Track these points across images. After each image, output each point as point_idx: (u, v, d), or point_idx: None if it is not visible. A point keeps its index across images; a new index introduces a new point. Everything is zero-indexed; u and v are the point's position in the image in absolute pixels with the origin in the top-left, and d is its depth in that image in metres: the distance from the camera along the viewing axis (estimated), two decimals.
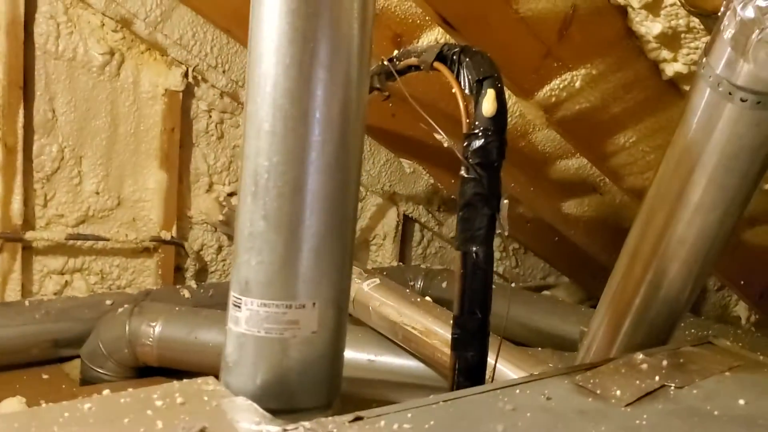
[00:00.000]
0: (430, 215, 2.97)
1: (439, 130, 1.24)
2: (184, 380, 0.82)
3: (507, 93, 1.75)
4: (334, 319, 0.81)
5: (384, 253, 2.97)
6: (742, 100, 0.88)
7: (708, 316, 2.58)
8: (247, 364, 0.80)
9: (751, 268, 1.97)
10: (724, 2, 0.88)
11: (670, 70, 1.49)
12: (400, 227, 2.95)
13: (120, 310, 1.99)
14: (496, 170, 1.13)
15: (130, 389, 0.77)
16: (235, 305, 0.80)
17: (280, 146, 0.76)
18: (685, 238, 0.99)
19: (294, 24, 0.74)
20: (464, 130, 1.14)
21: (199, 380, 0.81)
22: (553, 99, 1.47)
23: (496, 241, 3.51)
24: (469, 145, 1.12)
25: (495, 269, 3.46)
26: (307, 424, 0.70)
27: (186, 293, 2.21)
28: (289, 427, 0.69)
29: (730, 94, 0.89)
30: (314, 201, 0.78)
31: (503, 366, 1.42)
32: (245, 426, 0.69)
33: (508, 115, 1.98)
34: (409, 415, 0.74)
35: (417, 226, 3.01)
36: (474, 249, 1.14)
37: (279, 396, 0.80)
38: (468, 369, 1.16)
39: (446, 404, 0.77)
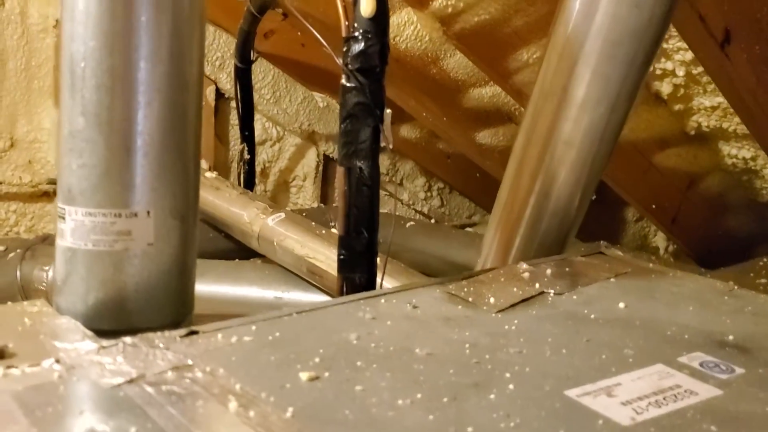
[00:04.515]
0: None
1: (319, 36, 1.15)
2: (9, 303, 0.73)
3: (404, 7, 1.67)
4: (176, 231, 0.73)
5: (305, 195, 2.89)
6: None
7: (627, 247, 2.59)
8: (77, 282, 0.71)
9: (662, 192, 1.95)
10: None
11: None
12: (320, 168, 2.87)
13: (11, 254, 1.87)
14: (379, 77, 1.04)
15: None
16: (60, 216, 0.71)
17: (96, 28, 0.66)
18: (572, 140, 0.93)
19: None
20: (343, 34, 1.05)
21: (26, 302, 0.72)
22: (450, 9, 1.39)
23: (420, 181, 3.45)
24: (348, 50, 1.03)
25: (420, 209, 3.40)
26: (128, 339, 0.61)
27: None
28: (107, 343, 0.61)
29: None
30: (143, 94, 0.68)
31: None
32: (58, 344, 0.61)
33: (418, 41, 1.90)
34: (254, 327, 0.66)
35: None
36: (358, 164, 1.06)
37: (115, 316, 0.71)
38: (355, 291, 1.09)
39: (299, 316, 0.70)
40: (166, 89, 0.69)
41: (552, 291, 0.80)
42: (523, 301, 0.77)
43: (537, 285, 0.82)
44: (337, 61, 1.05)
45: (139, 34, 0.67)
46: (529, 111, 1.00)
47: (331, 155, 2.83)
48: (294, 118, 2.65)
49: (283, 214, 1.76)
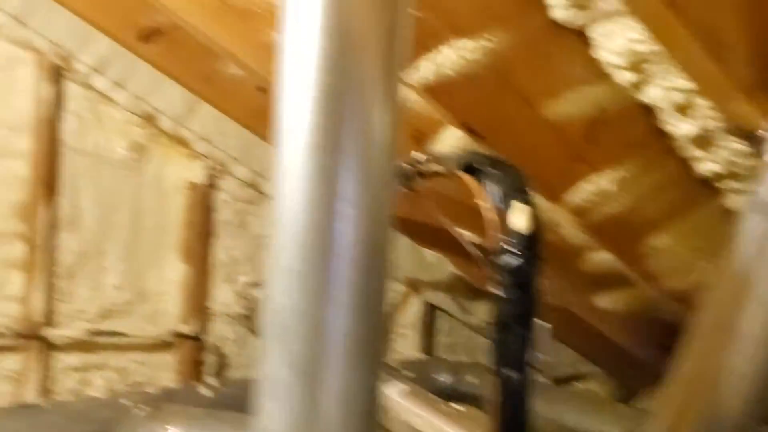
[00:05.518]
0: (456, 302, 2.88)
1: (468, 246, 1.20)
2: None
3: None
4: None
5: (407, 343, 2.88)
6: None
7: None
8: None
9: None
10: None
11: (703, 168, 1.44)
12: (424, 316, 2.87)
13: (135, 413, 1.93)
14: (533, 289, 1.08)
15: None
16: None
17: (301, 284, 0.72)
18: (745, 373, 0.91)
19: (317, 160, 0.71)
20: (494, 245, 1.09)
21: None
22: (583, 202, 1.43)
23: None
24: (502, 263, 1.07)
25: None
26: None
27: (207, 392, 2.14)
28: None
29: None
30: (338, 344, 0.73)
31: None
32: None
33: None
34: None
35: (442, 314, 2.93)
36: (510, 374, 1.08)
37: None
38: None
39: None
40: (356, 336, 0.74)
41: None
42: None
43: None
44: (488, 273, 1.09)
45: (335, 289, 0.72)
46: (694, 340, 0.98)
47: (435, 303, 2.84)
48: (398, 267, 2.70)
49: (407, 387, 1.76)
